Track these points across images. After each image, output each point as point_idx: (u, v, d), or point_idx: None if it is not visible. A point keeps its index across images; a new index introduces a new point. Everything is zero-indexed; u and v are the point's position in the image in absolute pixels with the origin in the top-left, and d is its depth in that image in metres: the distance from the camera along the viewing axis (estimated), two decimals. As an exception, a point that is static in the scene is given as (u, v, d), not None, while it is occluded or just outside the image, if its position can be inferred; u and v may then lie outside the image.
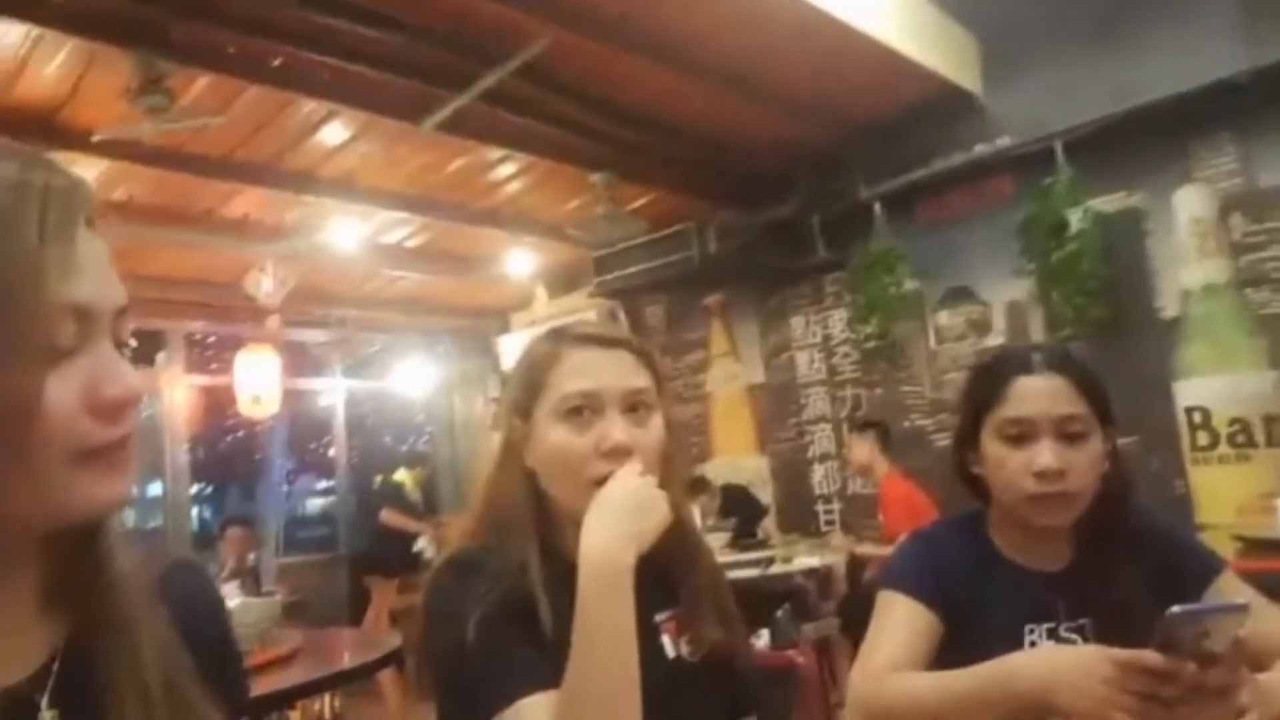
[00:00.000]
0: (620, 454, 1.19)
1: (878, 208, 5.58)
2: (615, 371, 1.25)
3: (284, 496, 9.18)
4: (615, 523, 1.11)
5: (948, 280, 5.54)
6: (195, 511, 11.13)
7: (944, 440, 5.23)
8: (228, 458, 13.66)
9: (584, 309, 7.11)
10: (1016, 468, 1.45)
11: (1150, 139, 4.69)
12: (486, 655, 1.12)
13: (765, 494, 6.43)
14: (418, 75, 4.21)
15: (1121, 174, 4.83)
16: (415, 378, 9.04)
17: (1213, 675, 1.10)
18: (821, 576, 5.27)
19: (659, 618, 1.27)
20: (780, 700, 3.36)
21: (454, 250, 6.85)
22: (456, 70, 4.21)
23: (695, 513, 3.26)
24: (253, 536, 6.50)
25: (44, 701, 0.71)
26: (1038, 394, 1.46)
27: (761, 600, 4.19)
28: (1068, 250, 4.71)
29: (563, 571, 1.14)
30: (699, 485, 5.78)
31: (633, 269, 6.51)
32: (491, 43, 4.11)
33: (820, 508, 6.23)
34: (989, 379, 1.54)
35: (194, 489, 9.02)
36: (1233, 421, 4.52)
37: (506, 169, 5.58)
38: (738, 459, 6.63)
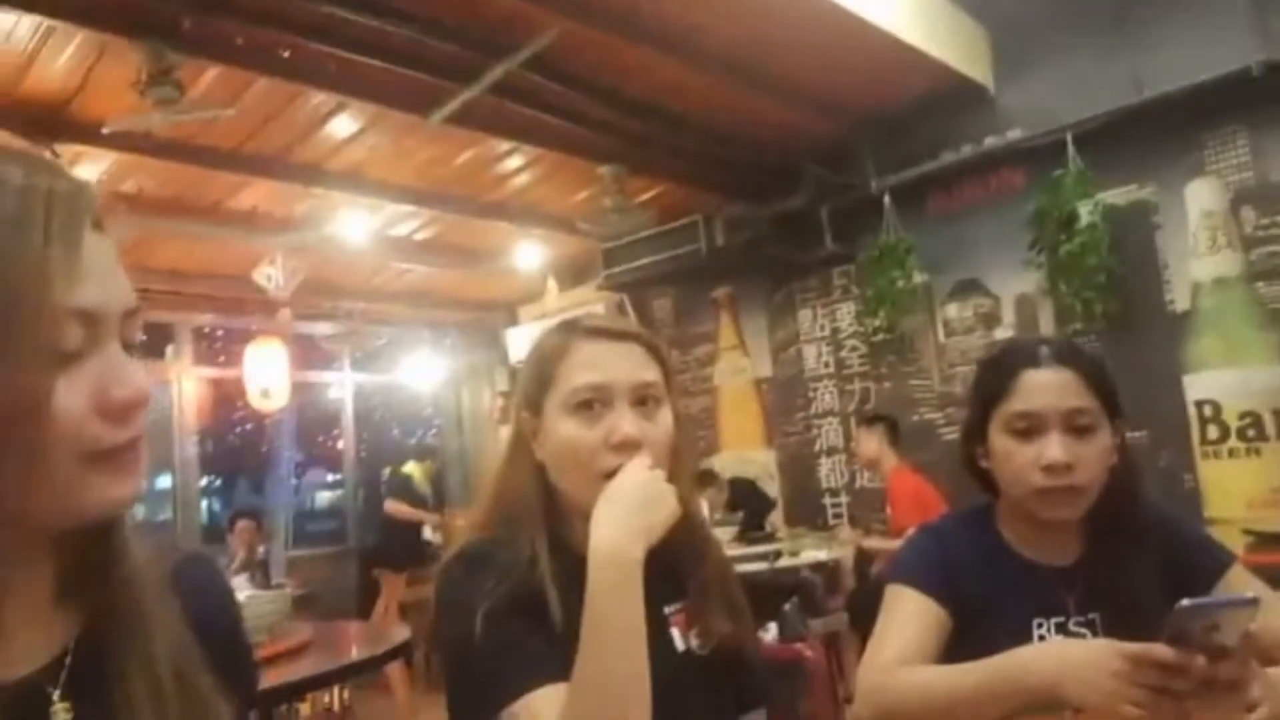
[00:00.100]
0: (630, 447, 1.19)
1: (887, 200, 5.57)
2: (625, 365, 1.25)
3: (293, 489, 9.21)
4: (624, 516, 1.11)
5: (957, 273, 5.53)
6: (204, 504, 11.18)
7: (953, 434, 5.21)
8: (236, 450, 13.72)
9: (592, 302, 7.11)
10: (1024, 461, 1.44)
11: (1161, 131, 4.67)
12: (496, 648, 1.12)
13: (772, 488, 6.43)
14: (426, 67, 4.20)
15: (1132, 167, 4.81)
16: (423, 371, 9.05)
17: (1223, 669, 1.10)
18: (829, 570, 5.27)
19: (668, 610, 1.28)
20: (788, 693, 3.37)
21: (462, 243, 6.85)
22: (465, 62, 4.21)
23: (703, 506, 3.26)
24: (262, 529, 6.52)
25: (56, 694, 0.72)
26: (1045, 387, 1.46)
27: (769, 594, 4.19)
28: (1076, 243, 4.69)
29: (572, 564, 1.14)
30: (707, 478, 5.78)
31: (640, 262, 6.50)
32: (500, 35, 4.10)
33: (828, 501, 6.23)
34: (997, 372, 1.54)
35: (203, 482, 9.05)
36: (1243, 415, 4.50)
37: (515, 161, 5.58)
38: (745, 452, 6.62)
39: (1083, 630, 1.44)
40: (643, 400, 1.24)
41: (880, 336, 5.67)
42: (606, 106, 4.76)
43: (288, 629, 3.33)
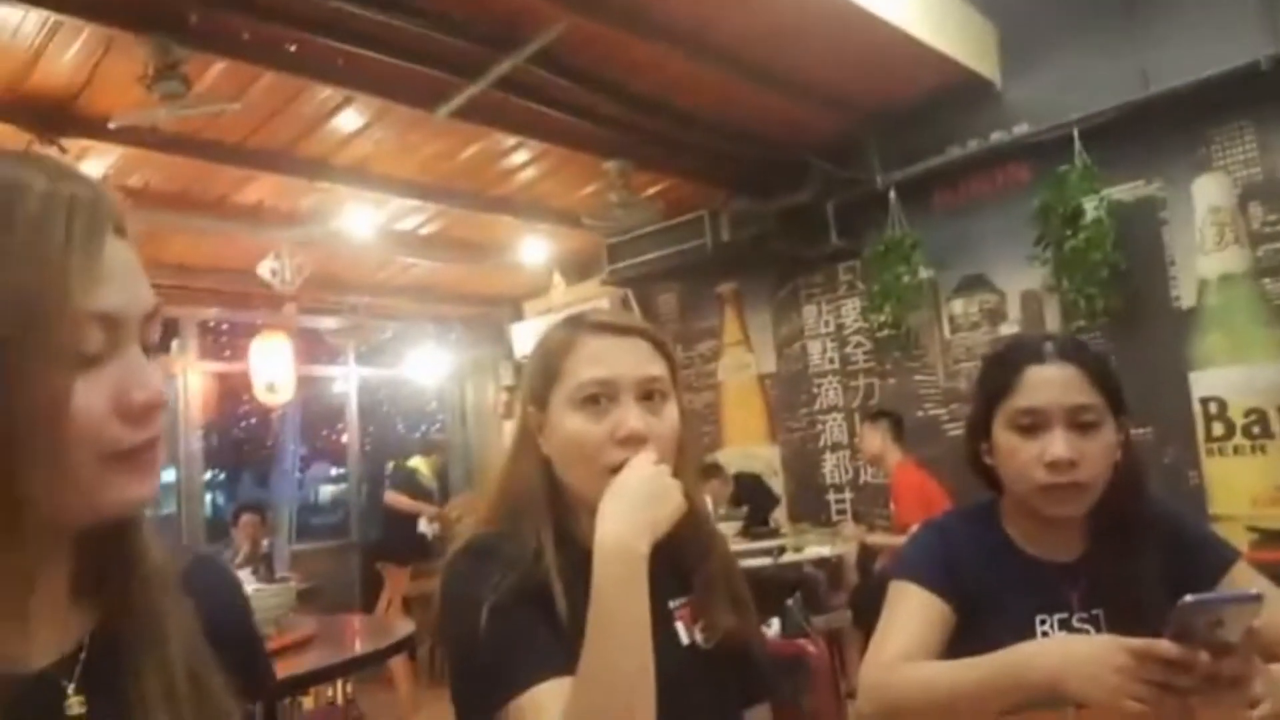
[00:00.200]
0: (635, 442, 1.20)
1: (893, 195, 5.56)
2: (631, 359, 1.25)
3: (297, 483, 9.21)
4: (630, 511, 1.11)
5: (962, 269, 5.52)
6: (209, 498, 11.19)
7: (957, 430, 5.21)
8: (241, 444, 13.71)
9: (596, 297, 7.10)
10: (1028, 458, 1.45)
11: (1169, 127, 4.66)
12: (501, 641, 1.12)
13: (776, 483, 6.43)
14: (433, 62, 4.20)
15: (1139, 162, 4.80)
16: (428, 365, 9.06)
17: (1226, 665, 1.10)
18: (832, 566, 5.27)
19: (673, 605, 1.28)
20: (791, 689, 3.36)
21: (467, 238, 6.85)
22: (472, 57, 4.21)
23: (707, 500, 3.26)
24: (266, 523, 6.54)
25: (71, 687, 0.73)
26: (1049, 383, 1.46)
27: (772, 589, 4.19)
28: (1081, 239, 4.68)
29: (578, 558, 1.14)
30: (712, 470, 5.78)
31: (645, 257, 6.49)
32: (507, 29, 4.10)
33: (832, 497, 6.23)
34: (1001, 368, 1.54)
35: (207, 476, 9.06)
36: (1249, 412, 4.49)
37: (520, 156, 5.57)
38: (749, 448, 6.62)
39: (1086, 627, 1.44)
40: (648, 395, 1.24)
41: (885, 332, 5.65)
42: (613, 101, 4.75)
43: (292, 622, 3.34)
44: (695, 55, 4.46)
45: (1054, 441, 1.42)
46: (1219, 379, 4.58)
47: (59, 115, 4.30)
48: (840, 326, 6.19)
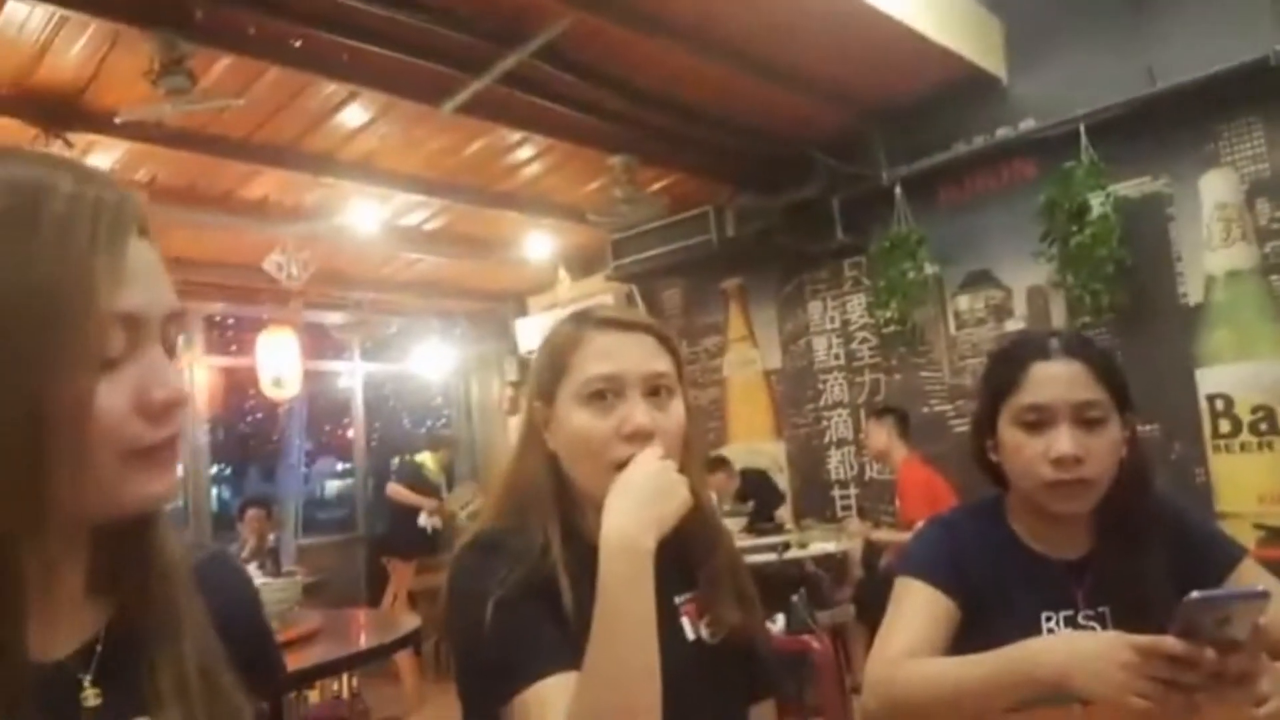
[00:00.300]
0: (641, 437, 1.20)
1: (898, 191, 5.55)
2: (637, 355, 1.25)
3: (303, 478, 9.22)
4: (636, 507, 1.11)
5: (968, 264, 5.51)
6: (214, 492, 11.21)
7: (963, 426, 5.21)
8: (247, 439, 13.75)
9: (601, 292, 7.10)
10: (1034, 454, 1.44)
11: (1175, 122, 4.64)
12: (508, 636, 1.13)
13: (781, 479, 6.42)
14: (438, 57, 4.20)
15: (1146, 158, 4.78)
16: (433, 360, 9.07)
17: (1233, 662, 1.10)
18: (837, 562, 5.27)
19: (679, 600, 1.28)
20: (796, 685, 3.37)
21: (472, 233, 6.86)
22: (477, 52, 4.21)
23: (712, 495, 3.26)
24: (272, 517, 6.55)
25: (87, 679, 0.74)
26: (1055, 380, 1.46)
27: (777, 585, 4.19)
28: (1087, 235, 4.67)
29: (584, 553, 1.15)
30: (718, 464, 5.78)
31: (650, 252, 6.48)
32: (512, 25, 4.10)
33: (837, 493, 6.22)
34: (1006, 365, 1.54)
35: (213, 470, 9.08)
36: (1256, 409, 4.48)
37: (525, 151, 5.57)
38: (754, 444, 6.62)
39: (1092, 624, 1.44)
40: (655, 390, 1.25)
41: (891, 328, 5.64)
42: (617, 97, 4.75)
43: (298, 616, 3.35)
44: (700, 50, 4.45)
45: (1059, 438, 1.42)
46: (1226, 375, 4.57)
47: (65, 110, 4.31)
48: (846, 322, 6.18)
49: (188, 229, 5.88)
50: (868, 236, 5.82)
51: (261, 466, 13.27)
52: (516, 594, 1.14)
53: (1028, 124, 5.12)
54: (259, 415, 12.87)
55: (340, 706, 5.12)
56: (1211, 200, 4.63)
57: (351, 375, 8.78)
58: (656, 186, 6.12)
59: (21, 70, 4.05)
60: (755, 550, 4.73)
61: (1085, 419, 1.43)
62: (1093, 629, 1.42)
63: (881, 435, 5.11)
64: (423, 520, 6.92)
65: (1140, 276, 4.73)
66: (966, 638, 1.42)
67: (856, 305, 6.12)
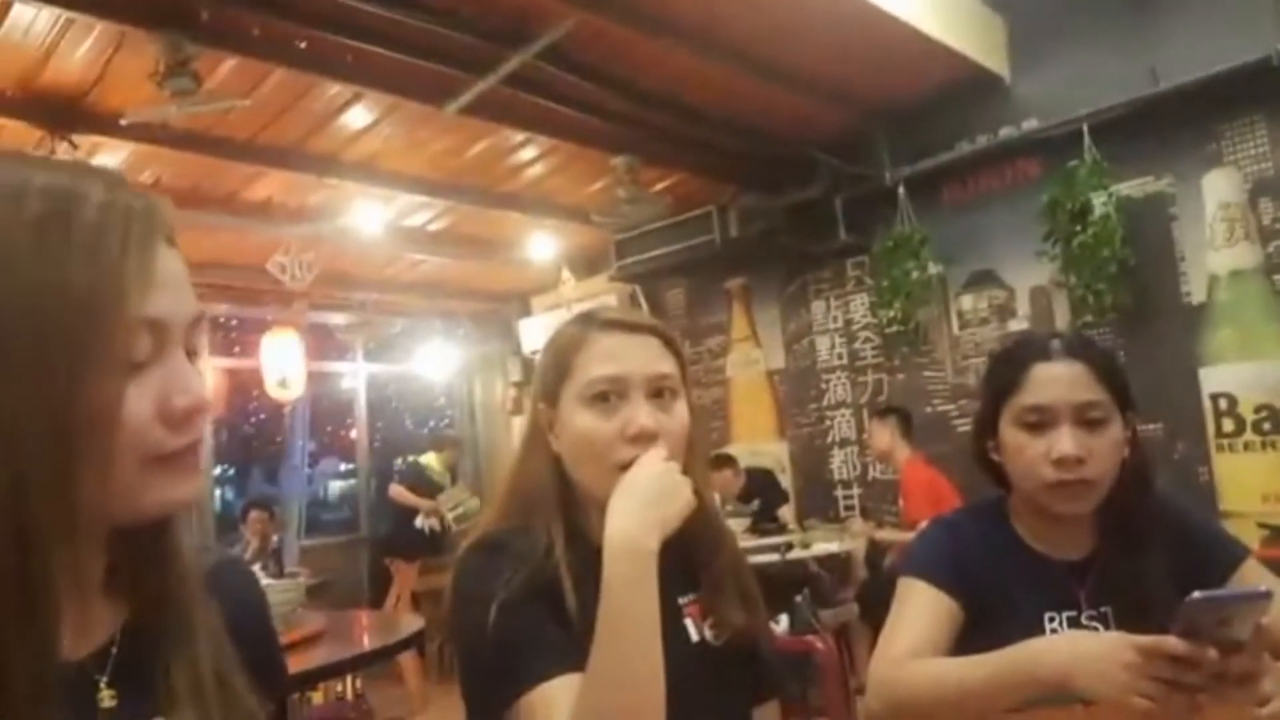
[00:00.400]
0: (645, 439, 1.20)
1: (901, 191, 5.55)
2: (641, 357, 1.25)
3: (306, 479, 9.23)
4: (640, 508, 1.11)
5: (971, 264, 5.51)
6: (218, 493, 11.23)
7: (966, 426, 5.21)
8: (250, 440, 13.77)
9: (604, 293, 7.11)
10: (1035, 455, 1.45)
11: (1179, 122, 4.64)
12: (512, 637, 1.13)
13: (785, 479, 6.42)
14: (442, 58, 4.21)
15: (1149, 158, 4.78)
16: (436, 361, 9.07)
17: (1235, 662, 1.09)
18: (841, 562, 5.27)
19: (682, 601, 1.28)
20: (799, 685, 3.37)
21: (475, 234, 6.86)
22: (480, 53, 4.21)
23: (715, 496, 3.26)
24: (275, 519, 6.56)
25: (104, 680, 0.75)
26: (1056, 381, 1.46)
27: (781, 586, 4.19)
28: (1090, 234, 4.67)
29: (588, 554, 1.15)
30: (724, 461, 5.78)
31: (653, 252, 6.49)
32: (515, 26, 4.10)
33: (840, 493, 6.23)
34: (1008, 366, 1.54)
35: (217, 471, 9.09)
36: (1259, 408, 4.48)
37: (529, 152, 5.58)
38: (757, 444, 6.62)
39: (1095, 624, 1.44)
40: (658, 392, 1.25)
41: (894, 328, 5.63)
42: (621, 97, 4.75)
43: (301, 618, 3.35)
44: (703, 51, 4.45)
45: (1061, 439, 1.42)
46: (1229, 375, 4.57)
47: (71, 112, 4.32)
48: (849, 322, 6.18)
49: (192, 230, 5.88)
50: (871, 236, 5.82)
51: (265, 467, 13.29)
52: (520, 595, 1.14)
53: (1031, 124, 5.12)
54: (262, 416, 12.89)
55: (344, 708, 5.13)
56: (1214, 200, 4.63)
57: (355, 376, 8.79)
58: (660, 187, 6.12)
59: (27, 72, 4.07)
60: (759, 550, 4.73)
61: (1086, 420, 1.43)
62: (1095, 629, 1.42)
63: (884, 435, 5.11)
64: (419, 522, 6.93)
65: (1143, 276, 4.73)
66: (969, 638, 1.42)
67: (860, 305, 6.12)
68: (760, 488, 5.94)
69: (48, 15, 3.64)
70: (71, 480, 0.65)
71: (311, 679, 3.32)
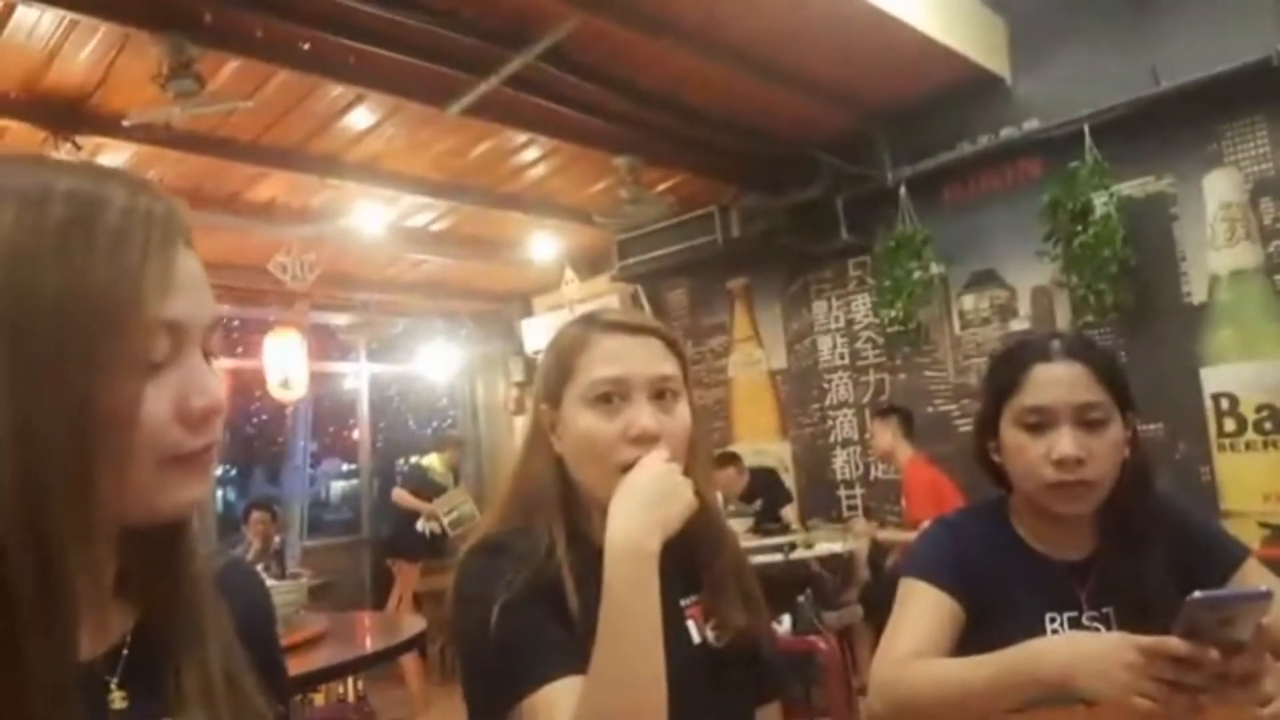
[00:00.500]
0: (647, 440, 1.20)
1: (903, 191, 5.55)
2: (643, 358, 1.26)
3: (308, 480, 9.24)
4: (641, 510, 1.11)
5: (972, 264, 5.51)
6: (220, 494, 11.24)
7: (968, 425, 5.20)
8: (252, 440, 13.79)
9: (606, 293, 7.11)
10: (1036, 456, 1.45)
11: (1179, 122, 4.64)
12: (514, 639, 1.13)
13: (787, 479, 6.42)
14: (444, 59, 4.21)
15: (1150, 158, 4.78)
16: (438, 361, 9.08)
17: (1236, 663, 1.09)
18: (844, 562, 5.27)
19: (684, 602, 1.29)
20: (802, 686, 3.38)
21: (478, 234, 6.87)
22: (483, 54, 4.22)
23: (717, 496, 3.27)
24: (277, 520, 6.56)
25: (114, 681, 0.75)
26: (1056, 382, 1.46)
27: (783, 586, 4.20)
28: (1091, 234, 4.67)
29: (589, 555, 1.15)
30: (728, 460, 5.78)
31: (655, 253, 6.50)
32: (516, 27, 4.11)
33: (843, 493, 6.23)
34: (1008, 366, 1.54)
35: (218, 471, 9.10)
36: (1260, 408, 4.48)
37: (531, 153, 5.58)
38: (760, 444, 6.62)
39: (1096, 625, 1.44)
40: (660, 394, 1.25)
41: (895, 328, 5.63)
42: (623, 98, 4.76)
43: (303, 619, 3.36)
44: (704, 52, 4.46)
45: (1061, 439, 1.43)
46: (1230, 375, 4.57)
47: (74, 113, 4.33)
48: (850, 322, 6.18)
49: (195, 231, 5.76)
50: (872, 236, 5.82)
51: (267, 468, 13.31)
52: (522, 597, 1.15)
53: (1032, 124, 5.12)
54: (264, 417, 12.91)
55: (346, 709, 5.14)
56: (1215, 200, 4.63)
57: (357, 376, 8.79)
58: (662, 187, 6.13)
59: (31, 74, 4.08)
60: (761, 551, 4.73)
61: (1086, 420, 1.43)
62: (1096, 630, 1.43)
63: (886, 435, 5.11)
64: (420, 525, 6.93)
65: (1144, 276, 4.73)
66: (971, 639, 1.43)
67: (861, 305, 6.12)
68: (764, 487, 5.94)
69: (51, 17, 3.64)
70: (90, 480, 0.65)
71: (313, 680, 3.32)
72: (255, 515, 6.39)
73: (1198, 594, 1.08)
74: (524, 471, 1.33)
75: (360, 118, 4.86)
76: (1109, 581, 1.46)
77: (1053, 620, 1.45)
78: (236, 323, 8.59)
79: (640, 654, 1.05)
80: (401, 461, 7.98)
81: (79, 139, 4.36)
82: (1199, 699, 1.11)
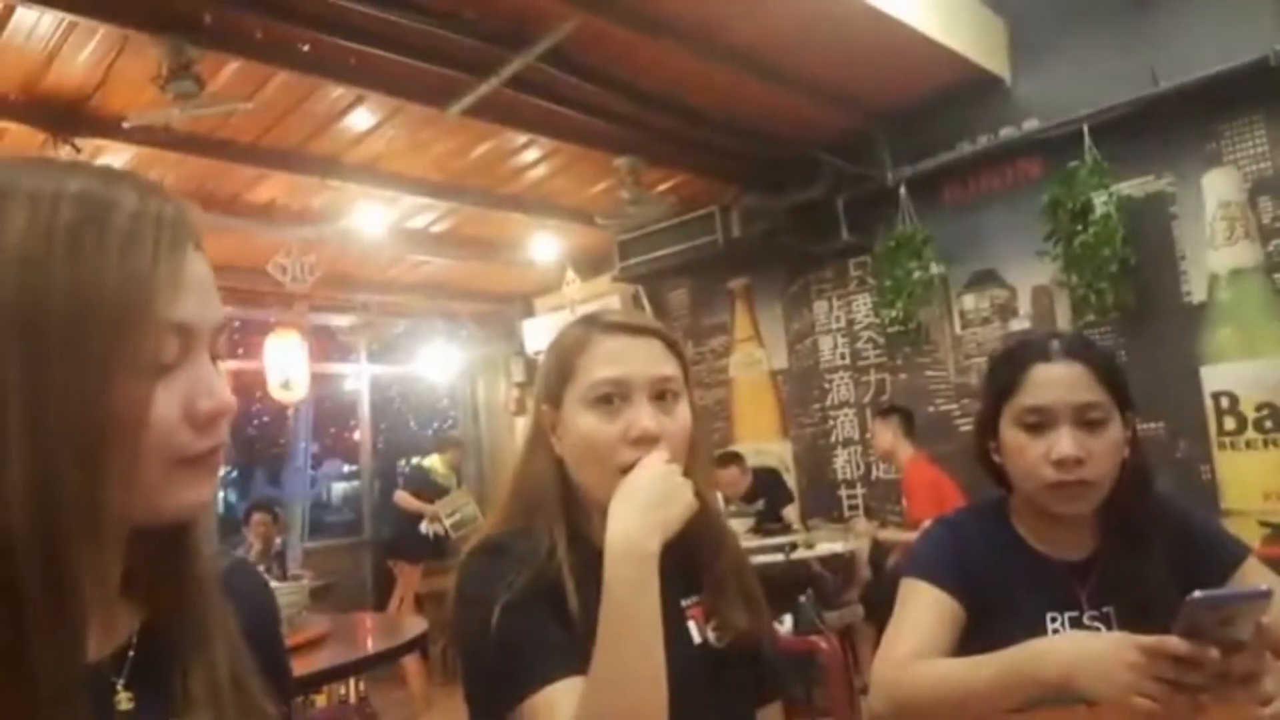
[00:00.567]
0: (648, 441, 1.20)
1: (903, 191, 5.55)
2: (644, 359, 1.26)
3: (309, 481, 9.24)
4: (640, 511, 1.11)
5: (973, 264, 5.51)
6: (221, 496, 11.23)
7: (968, 425, 5.20)
8: (253, 442, 13.78)
9: (607, 293, 7.11)
10: (1036, 456, 1.45)
11: (1178, 122, 4.64)
12: (515, 640, 1.13)
13: (788, 479, 6.42)
14: (444, 60, 4.21)
15: (1149, 157, 4.78)
16: (439, 362, 9.08)
17: (1236, 662, 1.09)
18: (845, 562, 5.27)
19: (685, 603, 1.29)
20: (803, 686, 3.38)
21: (478, 235, 6.87)
22: (483, 55, 4.22)
23: (718, 497, 3.27)
24: (278, 521, 6.56)
25: (120, 683, 0.75)
26: (1056, 382, 1.46)
27: (785, 586, 4.20)
28: (1091, 234, 4.67)
29: (590, 557, 1.15)
30: (731, 459, 5.78)
31: (656, 253, 6.49)
32: (517, 28, 4.11)
33: (844, 493, 6.23)
34: (1008, 367, 1.55)
35: (219, 473, 9.09)
36: (1260, 407, 4.48)
37: (531, 154, 5.58)
38: (761, 444, 6.62)
39: (1097, 624, 1.44)
40: (661, 395, 1.25)
41: (896, 328, 5.63)
42: (623, 99, 4.76)
43: (305, 621, 3.36)
44: (705, 53, 4.46)
45: (1061, 439, 1.43)
46: (1230, 374, 4.57)
47: (73, 115, 4.33)
48: (851, 322, 6.18)
49: (196, 233, 5.88)
50: (873, 236, 5.82)
51: (268, 469, 13.30)
52: (523, 598, 1.15)
53: (1031, 124, 5.13)
54: (265, 418, 12.90)
55: (347, 710, 5.14)
56: (1214, 199, 4.63)
57: (358, 378, 8.79)
58: (662, 188, 6.13)
59: (30, 76, 4.08)
60: (762, 551, 4.73)
61: (1086, 420, 1.44)
62: (1097, 630, 1.43)
63: (887, 435, 5.11)
64: (424, 528, 6.93)
65: (1144, 275, 4.73)
66: (972, 639, 1.43)
67: (862, 305, 6.12)
68: (766, 487, 5.94)
69: (51, 19, 3.64)
70: (100, 481, 0.66)
71: (315, 682, 3.33)
72: (256, 517, 6.39)
73: (1198, 593, 1.08)
74: (525, 472, 1.33)
75: (360, 119, 4.86)
76: (1109, 581, 1.47)
77: (1053, 620, 1.45)
78: (237, 324, 8.59)
79: (640, 655, 1.05)
80: (403, 462, 7.97)
81: (78, 141, 4.36)
82: (1200, 698, 1.11)
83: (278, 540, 6.47)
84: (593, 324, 1.31)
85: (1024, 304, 5.32)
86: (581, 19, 3.99)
